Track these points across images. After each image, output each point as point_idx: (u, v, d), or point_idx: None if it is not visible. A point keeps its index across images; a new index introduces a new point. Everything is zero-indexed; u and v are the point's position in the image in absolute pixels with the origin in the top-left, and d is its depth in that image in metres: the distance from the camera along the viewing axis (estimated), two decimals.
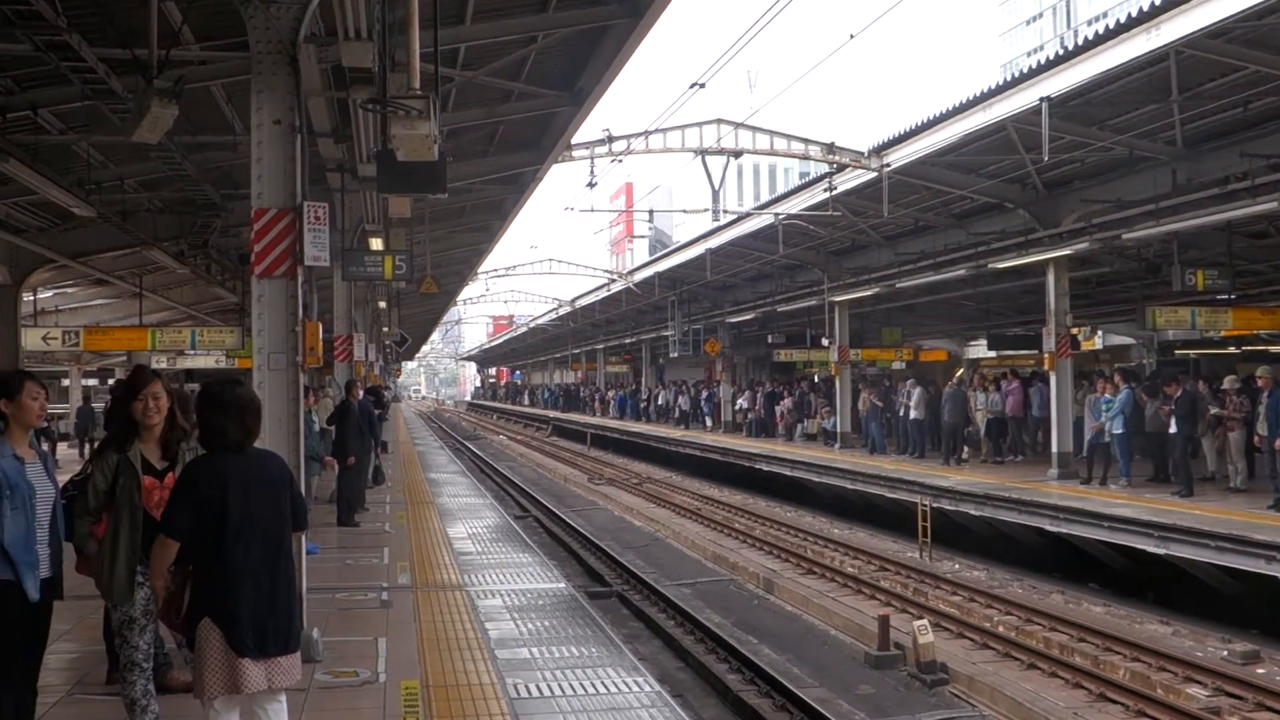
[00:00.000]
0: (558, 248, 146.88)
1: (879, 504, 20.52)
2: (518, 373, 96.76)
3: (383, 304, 28.51)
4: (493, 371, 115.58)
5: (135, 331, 20.69)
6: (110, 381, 40.58)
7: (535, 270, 43.21)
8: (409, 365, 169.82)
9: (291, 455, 7.48)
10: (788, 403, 31.27)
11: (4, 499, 4.86)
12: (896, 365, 33.01)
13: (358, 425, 14.72)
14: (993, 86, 15.47)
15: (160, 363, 26.83)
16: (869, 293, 24.53)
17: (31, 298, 22.88)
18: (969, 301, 28.44)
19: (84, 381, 40.22)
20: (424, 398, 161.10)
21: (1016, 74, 14.90)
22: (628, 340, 47.72)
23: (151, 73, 8.29)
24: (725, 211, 23.62)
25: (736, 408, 34.88)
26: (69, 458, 26.02)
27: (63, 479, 5.40)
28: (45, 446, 5.85)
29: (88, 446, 24.72)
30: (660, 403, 43.25)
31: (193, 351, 24.16)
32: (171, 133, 10.85)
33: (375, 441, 16.85)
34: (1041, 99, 14.17)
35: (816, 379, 33.53)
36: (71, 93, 10.70)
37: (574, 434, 48.14)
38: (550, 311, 56.69)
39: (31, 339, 19.00)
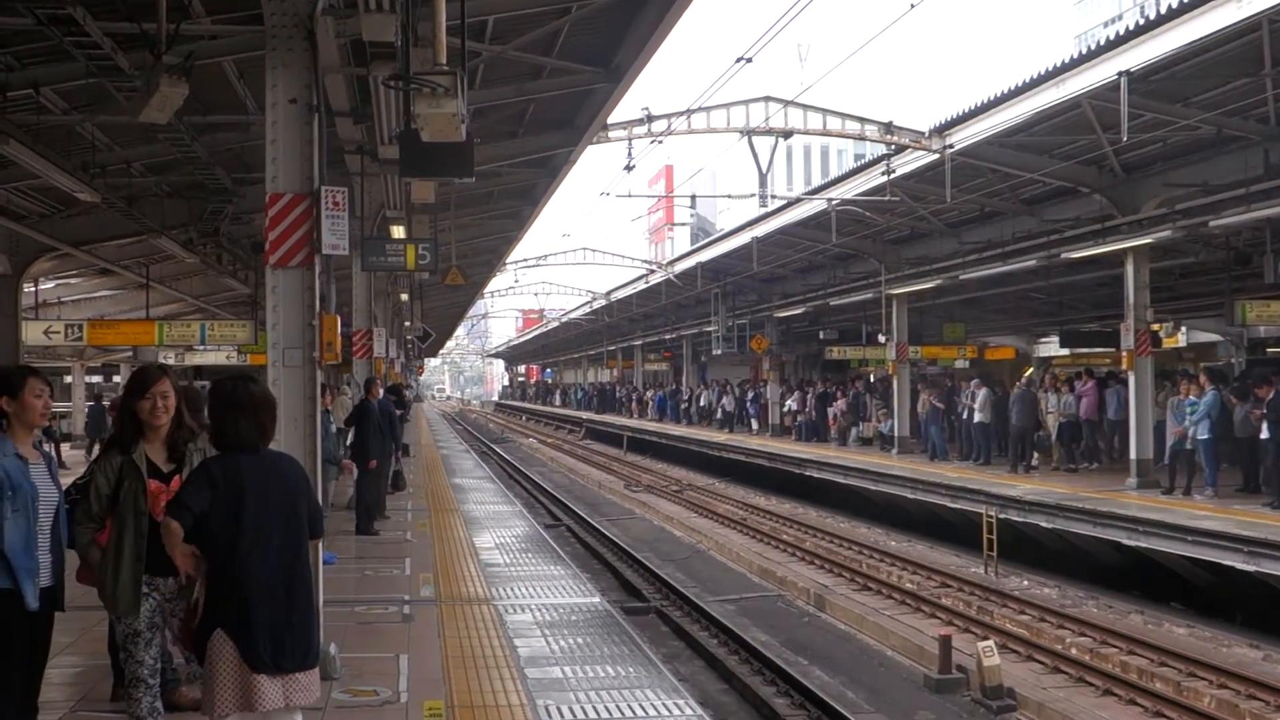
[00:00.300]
0: (592, 236, 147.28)
1: (940, 515, 20.41)
2: (548, 371, 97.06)
3: (404, 296, 28.68)
4: (521, 369, 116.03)
5: (141, 325, 20.90)
6: (116, 378, 41.09)
7: (568, 261, 43.31)
8: (432, 362, 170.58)
9: (308, 458, 7.53)
10: (841, 404, 31.17)
11: (4, 500, 4.90)
12: (959, 364, 32.75)
13: (378, 426, 14.83)
14: (1066, 60, 15.31)
15: (168, 358, 27.13)
16: (930, 285, 24.39)
17: (33, 289, 23.18)
18: (1039, 294, 28.21)
19: (88, 378, 40.66)
20: (448, 397, 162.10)
21: (1092, 46, 14.74)
22: (667, 336, 47.75)
23: (160, 48, 8.36)
24: (773, 196, 23.56)
25: (785, 409, 34.82)
26: (75, 459, 26.38)
27: (66, 482, 5.45)
28: (48, 447, 5.86)
29: (98, 447, 25.02)
30: (702, 404, 43.25)
31: (202, 347, 24.38)
32: (181, 113, 10.95)
33: (396, 444, 16.96)
34: (1120, 73, 14.00)
35: (872, 379, 33.39)
36: (75, 70, 10.82)
37: (609, 437, 48.18)
38: (584, 305, 56.82)
39: (33, 333, 19.23)
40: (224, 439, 4.63)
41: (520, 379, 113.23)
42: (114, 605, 5.11)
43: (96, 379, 42.94)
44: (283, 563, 4.53)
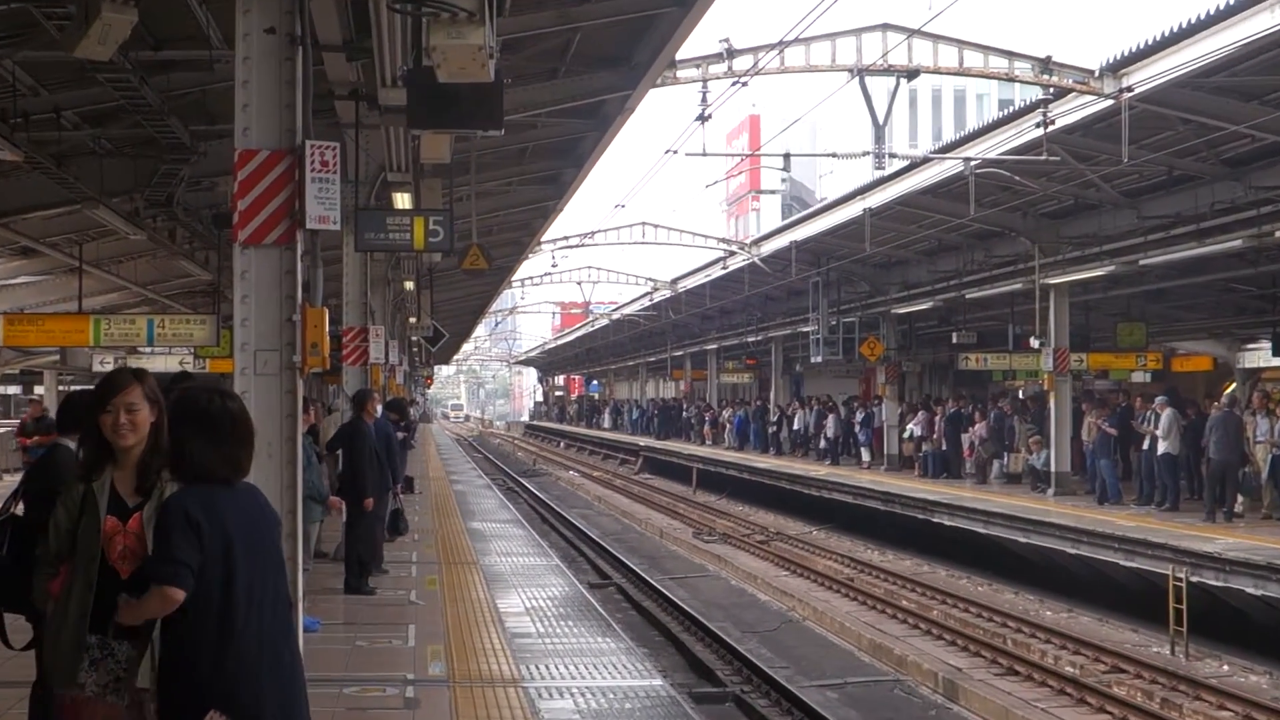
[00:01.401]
0: (654, 208, 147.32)
1: (1111, 576, 20.20)
2: (595, 383, 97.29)
3: (410, 285, 28.86)
4: (560, 381, 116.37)
5: (72, 320, 21.12)
6: (40, 389, 41.47)
7: (621, 239, 43.25)
8: (444, 371, 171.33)
9: (286, 494, 7.60)
10: (980, 429, 30.95)
11: None
12: (1138, 377, 32.41)
13: (373, 454, 14.90)
14: None
15: (105, 363, 27.48)
16: (1099, 272, 24.13)
17: None
18: (1246, 286, 27.82)
19: (3, 389, 41.06)
20: (465, 417, 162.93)
21: None
22: (751, 339, 47.68)
23: None
24: (892, 156, 23.45)
25: (906, 435, 34.64)
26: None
27: None
28: None
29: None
30: (796, 427, 43.15)
31: (149, 349, 24.69)
32: (126, 47, 11.08)
33: (395, 476, 16.99)
34: None
35: (1021, 395, 33.11)
36: None
37: (674, 469, 48.07)
38: (642, 297, 56.82)
39: None
40: (190, 468, 4.65)
41: (558, 393, 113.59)
42: (49, 674, 5.13)
43: (14, 390, 43.25)
44: (279, 622, 4.69)
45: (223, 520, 4.58)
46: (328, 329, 8.70)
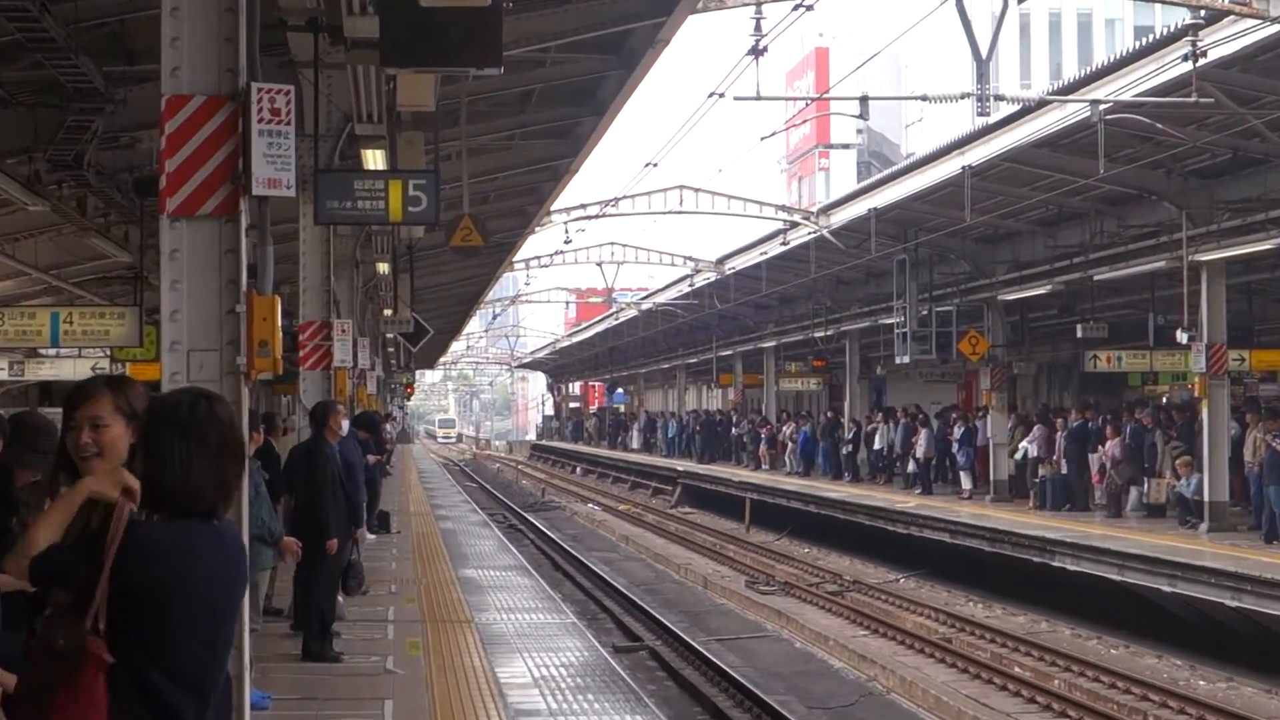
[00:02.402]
0: (694, 169, 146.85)
1: None
2: (620, 392, 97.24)
3: (384, 268, 28.89)
4: (575, 389, 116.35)
5: None
6: None
7: (654, 209, 43.21)
8: (429, 377, 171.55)
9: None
10: (1113, 447, 30.78)
11: None
12: None
13: (337, 482, 14.87)
14: None
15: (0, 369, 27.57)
16: (1266, 245, 24.05)
17: None
18: None
19: None
20: (457, 436, 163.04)
21: None
22: (819, 334, 47.54)
23: None
24: (999, 99, 23.33)
25: (1017, 456, 34.47)
26: None
27: None
28: None
29: None
30: (878, 446, 42.96)
31: (53, 350, 24.68)
32: None
33: (355, 516, 16.68)
34: None
35: (1165, 404, 32.97)
36: None
37: (720, 501, 48.02)
38: (680, 282, 56.69)
39: None
40: (169, 494, 4.58)
41: (573, 405, 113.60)
42: None
43: None
44: (220, 709, 4.63)
45: (207, 569, 4.53)
46: (280, 323, 8.69)
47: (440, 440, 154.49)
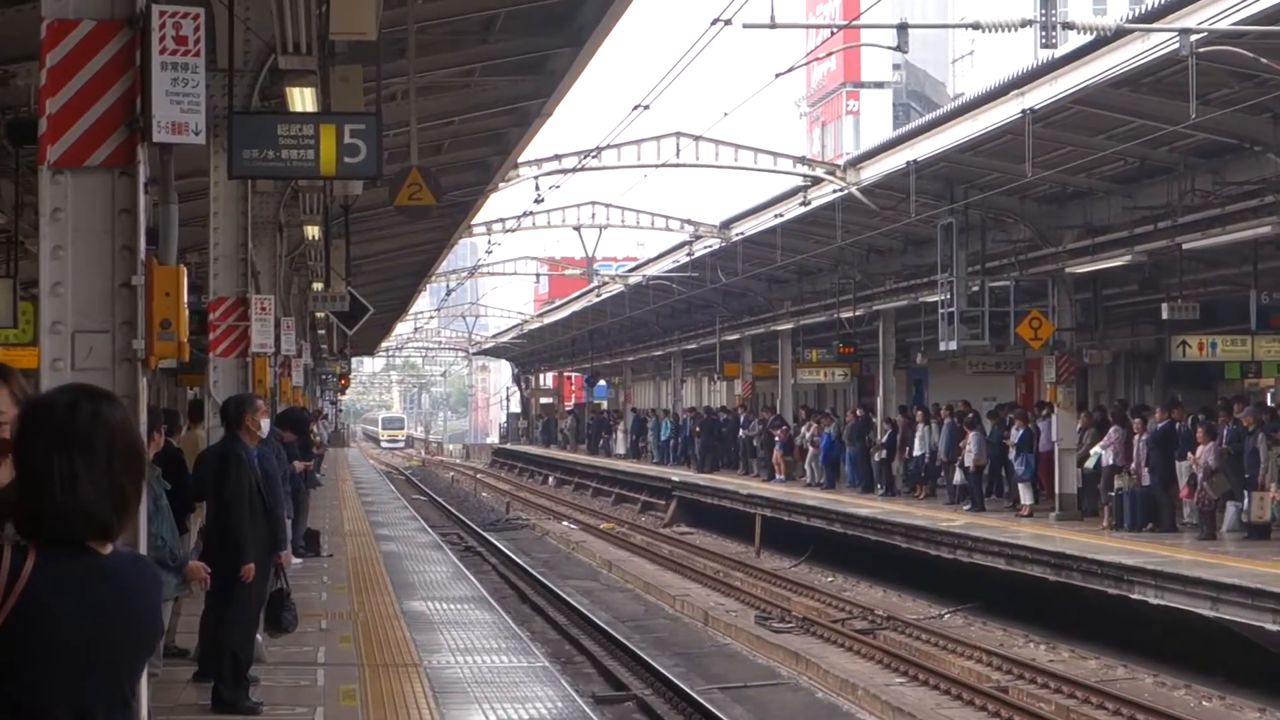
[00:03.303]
0: (694, 113, 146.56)
1: None
2: (602, 384, 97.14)
3: (315, 232, 28.94)
4: (548, 381, 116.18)
5: None
6: None
7: (644, 160, 43.23)
8: (368, 366, 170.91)
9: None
10: (1206, 454, 30.80)
11: None
12: None
13: (255, 494, 14.93)
14: None
15: None
16: None
17: None
18: None
19: None
20: (406, 440, 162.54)
21: None
22: (846, 314, 47.51)
23: None
24: (1067, 28, 23.42)
25: (1088, 465, 34.51)
26: None
27: None
28: None
29: None
30: (918, 451, 42.97)
31: None
32: None
33: (277, 539, 16.72)
34: None
35: (1271, 402, 33.06)
36: None
37: (724, 519, 48.03)
38: (677, 250, 56.63)
39: None
40: (44, 515, 4.59)
41: (545, 400, 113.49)
42: None
43: None
44: None
45: (75, 625, 4.53)
46: (186, 299, 8.76)
47: (385, 445, 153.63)
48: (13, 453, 4.51)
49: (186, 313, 8.64)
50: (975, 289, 35.30)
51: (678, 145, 42.18)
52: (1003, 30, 23.41)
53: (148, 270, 8.04)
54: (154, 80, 7.85)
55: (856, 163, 39.53)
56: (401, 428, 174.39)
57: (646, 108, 32.83)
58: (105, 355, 7.98)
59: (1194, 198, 30.23)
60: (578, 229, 56.22)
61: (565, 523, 56.47)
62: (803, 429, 52.06)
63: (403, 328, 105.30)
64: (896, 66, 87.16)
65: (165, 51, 7.89)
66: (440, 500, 65.86)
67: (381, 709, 14.99)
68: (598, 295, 71.81)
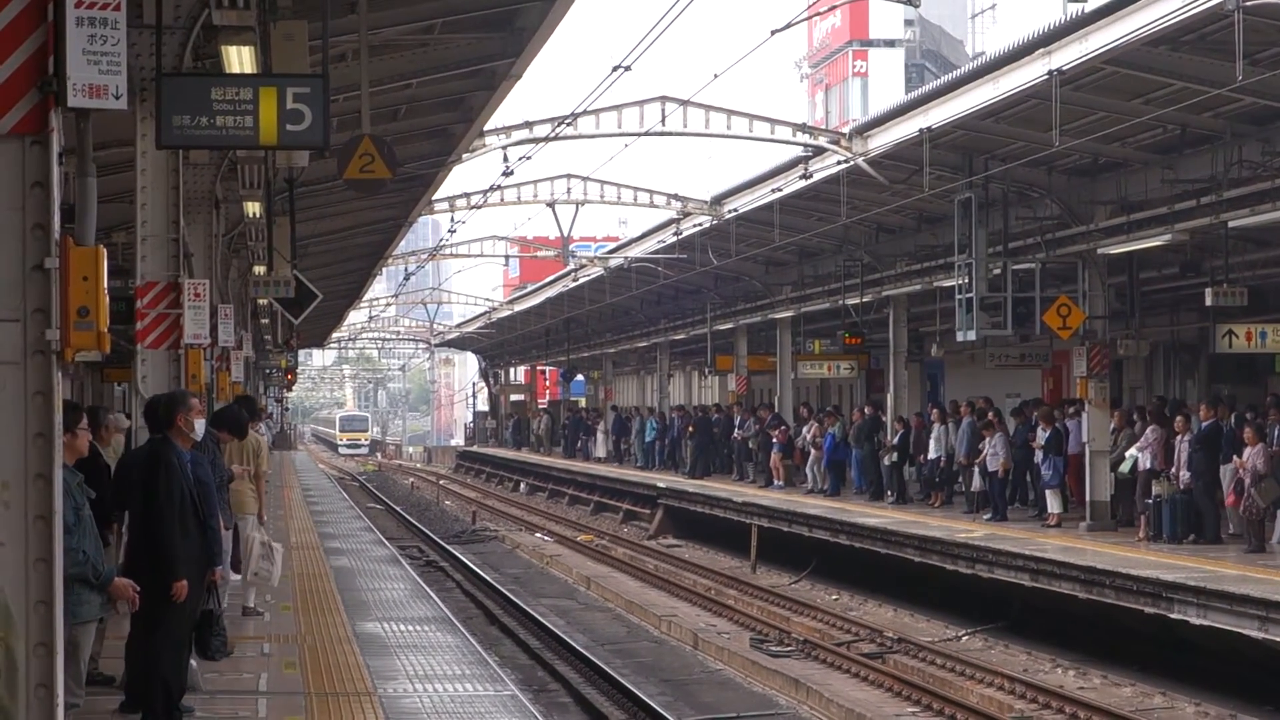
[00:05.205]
0: (682, 75, 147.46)
1: None
2: (579, 380, 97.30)
3: (255, 209, 28.88)
4: (519, 376, 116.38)
5: None
6: None
7: (626, 129, 43.21)
8: (316, 359, 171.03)
9: (37, 574, 7.60)
10: (1253, 457, 30.82)
11: None
12: None
13: (188, 501, 14.85)
14: None
15: None
16: None
17: None
18: None
19: None
20: (370, 446, 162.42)
21: None
22: (853, 301, 47.58)
23: None
24: None
25: (1123, 468, 34.50)
26: None
27: None
28: None
29: None
30: (933, 454, 43.01)
31: None
32: None
33: (212, 553, 16.67)
34: None
35: None
36: None
37: (717, 528, 48.19)
38: (663, 229, 56.68)
39: None
40: None
41: (516, 397, 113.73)
42: None
43: None
44: None
45: None
46: (106, 284, 8.67)
47: (344, 450, 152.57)
48: None
49: (107, 299, 8.55)
50: (996, 272, 35.25)
51: (663, 111, 42.14)
52: None
53: (63, 251, 7.98)
54: (68, 37, 7.79)
55: (864, 130, 39.52)
56: (365, 429, 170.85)
57: (628, 69, 32.74)
58: (15, 346, 7.92)
59: (1241, 169, 30.23)
60: (551, 205, 56.33)
61: (538, 534, 56.68)
62: (804, 429, 52.09)
63: (356, 316, 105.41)
64: (909, 22, 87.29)
65: (81, 5, 7.83)
66: (398, 510, 66.06)
67: None
68: (574, 279, 71.96)
